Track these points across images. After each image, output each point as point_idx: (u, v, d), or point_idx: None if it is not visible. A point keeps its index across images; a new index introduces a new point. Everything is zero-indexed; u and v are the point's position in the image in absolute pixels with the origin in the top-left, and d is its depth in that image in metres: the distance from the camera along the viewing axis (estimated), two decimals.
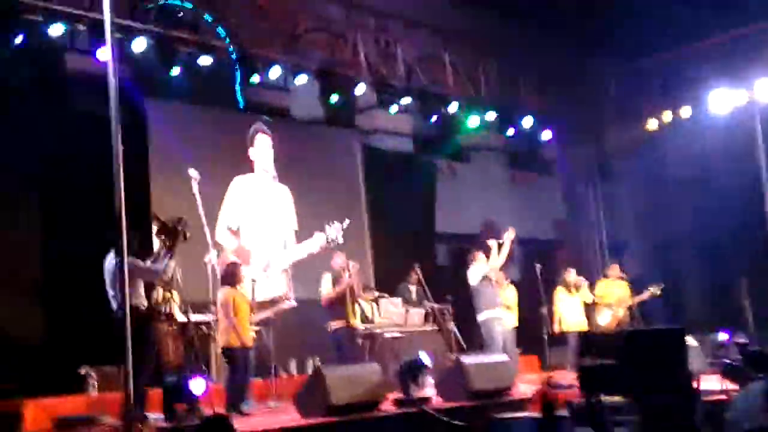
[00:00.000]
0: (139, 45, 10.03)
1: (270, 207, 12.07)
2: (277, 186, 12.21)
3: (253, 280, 9.09)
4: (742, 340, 9.74)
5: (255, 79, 11.47)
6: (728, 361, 8.58)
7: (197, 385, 6.60)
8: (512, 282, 11.55)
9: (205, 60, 10.77)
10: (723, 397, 6.70)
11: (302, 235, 11.71)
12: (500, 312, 10.35)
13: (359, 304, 10.36)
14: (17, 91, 10.18)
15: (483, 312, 10.26)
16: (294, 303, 10.00)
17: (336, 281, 9.64)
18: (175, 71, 10.50)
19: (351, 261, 9.89)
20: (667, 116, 14.48)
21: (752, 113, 13.61)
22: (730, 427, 5.79)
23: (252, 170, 12.02)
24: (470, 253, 10.64)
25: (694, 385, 7.16)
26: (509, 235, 10.54)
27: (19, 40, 9.23)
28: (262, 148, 12.09)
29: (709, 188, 16.47)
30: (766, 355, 6.66)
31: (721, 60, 13.64)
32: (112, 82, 6.16)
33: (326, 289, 9.64)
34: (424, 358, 8.26)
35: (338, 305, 9.62)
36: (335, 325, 9.61)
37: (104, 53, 6.54)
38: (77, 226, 9.69)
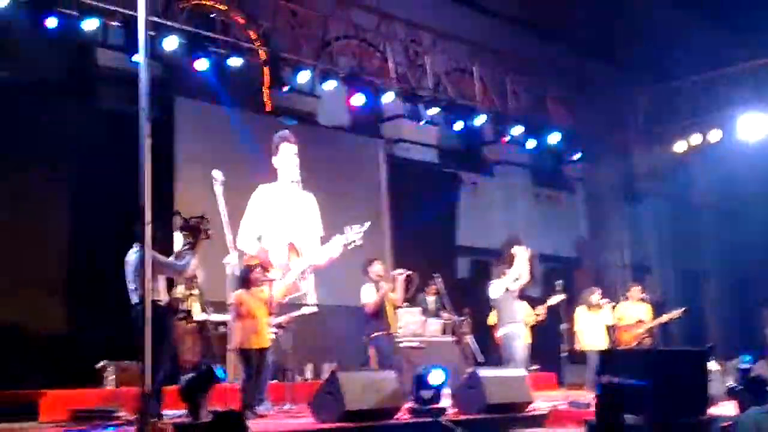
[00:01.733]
0: (171, 43, 10.08)
1: (293, 215, 12.08)
2: (302, 193, 12.23)
3: (272, 281, 9.03)
4: (745, 366, 9.58)
5: (285, 87, 11.49)
6: (732, 384, 8.47)
7: (221, 373, 6.62)
8: (528, 298, 11.41)
9: (234, 61, 10.80)
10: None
11: (325, 239, 11.70)
12: (520, 327, 10.25)
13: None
14: (48, 84, 10.29)
15: (504, 326, 10.16)
16: (315, 309, 9.95)
17: (377, 289, 9.62)
18: (203, 67, 10.50)
19: (400, 269, 9.86)
20: (696, 139, 14.29)
21: None
22: None
23: (276, 178, 12.05)
24: (498, 266, 10.52)
25: (712, 409, 7.07)
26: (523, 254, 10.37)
27: (53, 23, 9.25)
28: (286, 156, 12.12)
29: (736, 215, 16.34)
30: (762, 380, 6.55)
31: (753, 85, 13.51)
32: (144, 77, 6.22)
33: (370, 297, 9.58)
34: (439, 374, 8.13)
35: (376, 312, 9.59)
36: (376, 333, 9.57)
37: (137, 55, 6.56)
38: (103, 221, 9.72)
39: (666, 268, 16.87)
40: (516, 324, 10.07)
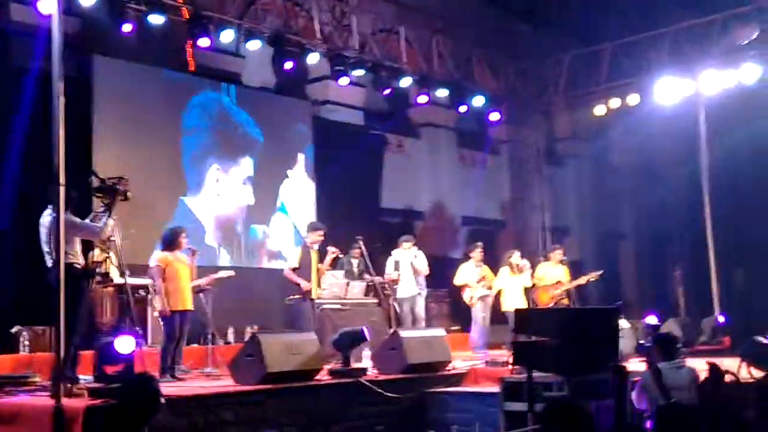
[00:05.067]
0: None
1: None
2: None
3: (193, 249, 8.96)
4: (653, 323, 10.01)
5: (206, 42, 11.23)
6: (641, 342, 8.82)
7: (125, 345, 6.46)
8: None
9: (156, 18, 10.51)
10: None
11: (255, 207, 11.73)
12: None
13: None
14: None
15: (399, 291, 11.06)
16: (232, 272, 9.91)
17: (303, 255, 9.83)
18: (125, 28, 10.22)
19: (333, 248, 10.05)
20: (615, 103, 14.58)
21: (697, 104, 13.86)
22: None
23: None
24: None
25: (623, 365, 7.32)
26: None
27: None
28: None
29: (653, 177, 16.80)
30: (672, 338, 6.86)
31: (669, 50, 13.80)
32: (56, 33, 6.06)
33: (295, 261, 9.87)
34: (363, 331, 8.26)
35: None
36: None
37: (48, 4, 6.34)
38: (16, 183, 9.46)
39: (585, 230, 17.26)
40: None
